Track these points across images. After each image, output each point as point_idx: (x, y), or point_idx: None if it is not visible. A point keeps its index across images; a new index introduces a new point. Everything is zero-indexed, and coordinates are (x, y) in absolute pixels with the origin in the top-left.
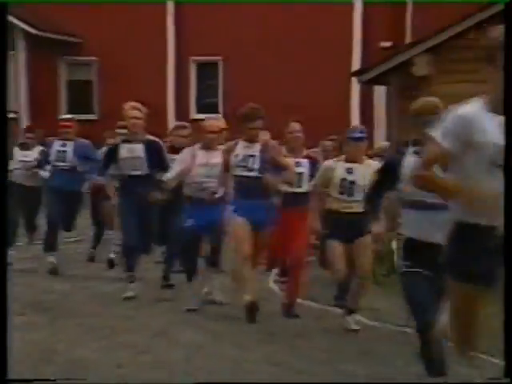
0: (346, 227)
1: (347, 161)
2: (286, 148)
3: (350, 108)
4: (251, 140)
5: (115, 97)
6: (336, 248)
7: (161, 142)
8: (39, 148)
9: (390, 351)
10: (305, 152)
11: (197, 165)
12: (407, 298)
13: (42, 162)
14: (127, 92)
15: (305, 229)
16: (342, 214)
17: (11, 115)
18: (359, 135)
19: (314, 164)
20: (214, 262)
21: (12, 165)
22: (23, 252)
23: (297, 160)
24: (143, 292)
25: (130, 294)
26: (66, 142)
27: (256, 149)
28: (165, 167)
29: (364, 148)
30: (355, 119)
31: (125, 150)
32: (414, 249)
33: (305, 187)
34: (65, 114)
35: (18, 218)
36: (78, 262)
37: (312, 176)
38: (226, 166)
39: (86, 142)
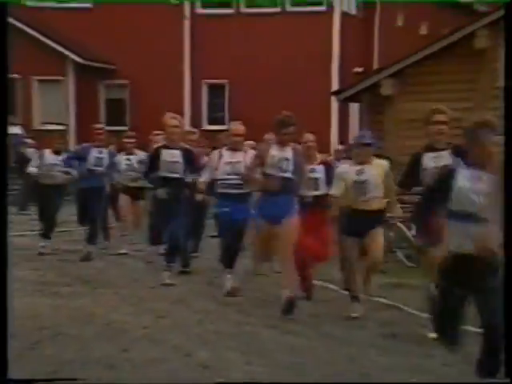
0: (361, 224)
1: (357, 163)
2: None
3: (330, 121)
4: (283, 144)
5: (143, 112)
6: (348, 241)
7: (194, 151)
8: (65, 154)
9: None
10: (319, 159)
11: (222, 163)
12: (436, 315)
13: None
14: (152, 108)
15: (324, 228)
16: (357, 212)
17: (62, 127)
18: (368, 141)
19: (328, 169)
20: (230, 259)
21: (40, 167)
22: (67, 236)
23: (312, 167)
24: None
25: (167, 281)
26: (102, 149)
27: (289, 152)
28: (198, 172)
29: (372, 151)
30: (334, 131)
31: (165, 155)
32: (454, 264)
33: (322, 190)
34: (103, 125)
35: (53, 212)
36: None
37: (328, 180)
38: (256, 164)
39: (113, 150)
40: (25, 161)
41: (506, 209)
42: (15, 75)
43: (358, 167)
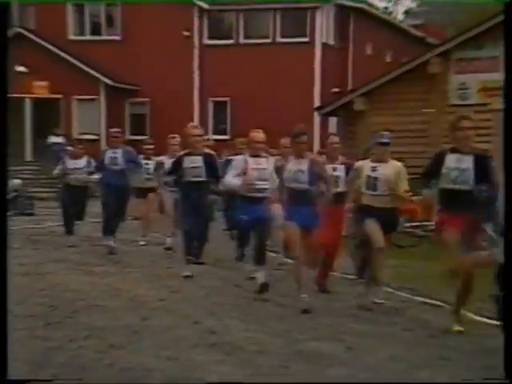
0: (371, 216)
1: (373, 161)
2: (326, 156)
3: (313, 132)
4: (300, 155)
5: (160, 124)
6: (372, 223)
7: (215, 155)
8: (86, 158)
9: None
10: (341, 159)
11: (250, 169)
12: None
13: (96, 168)
14: (168, 121)
15: (342, 222)
16: (370, 208)
17: (95, 137)
18: (386, 140)
19: (348, 169)
20: (259, 256)
21: (64, 170)
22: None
23: (333, 166)
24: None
25: (187, 273)
26: (116, 150)
27: (304, 164)
28: (218, 175)
29: (389, 151)
30: (316, 139)
31: (188, 161)
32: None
33: (341, 188)
34: (129, 136)
35: (72, 209)
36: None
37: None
38: (281, 179)
39: (131, 149)
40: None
41: (506, 208)
42: (59, 95)
43: (373, 164)
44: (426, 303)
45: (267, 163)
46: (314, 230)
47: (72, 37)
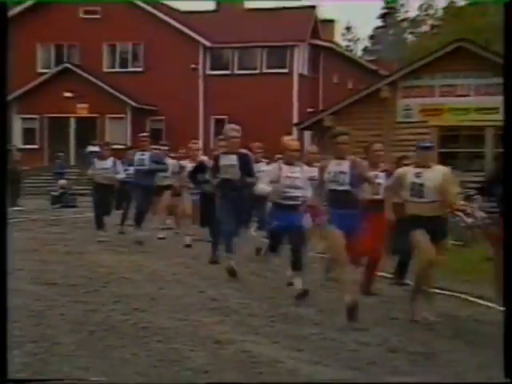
0: (418, 225)
1: (417, 167)
2: (369, 163)
3: None
4: (341, 157)
5: (173, 136)
6: (420, 235)
7: (250, 155)
8: (111, 159)
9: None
10: (382, 166)
11: (283, 176)
12: None
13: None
14: (179, 134)
15: (383, 227)
16: (417, 218)
17: (122, 146)
18: (428, 145)
19: (389, 176)
20: (295, 263)
21: (93, 171)
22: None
23: (375, 173)
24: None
25: (232, 265)
26: (144, 152)
27: (346, 166)
28: (252, 173)
29: (431, 156)
30: None
31: (224, 160)
32: None
33: (383, 195)
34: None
35: (100, 205)
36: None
37: None
38: (322, 182)
39: (157, 151)
40: None
41: (506, 208)
42: (96, 114)
43: (417, 170)
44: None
45: (301, 172)
46: (355, 233)
47: (106, 69)
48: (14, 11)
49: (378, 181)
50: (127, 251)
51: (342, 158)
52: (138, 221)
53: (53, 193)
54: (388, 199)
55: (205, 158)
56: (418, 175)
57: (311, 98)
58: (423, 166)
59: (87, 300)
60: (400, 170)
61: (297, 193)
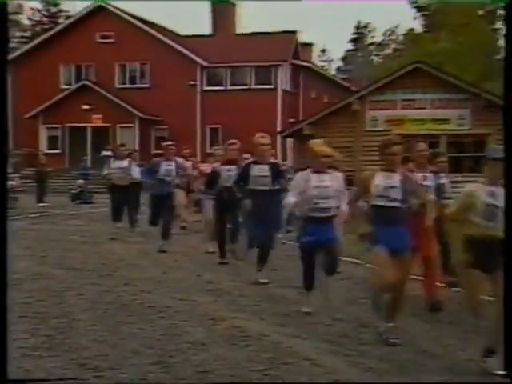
0: (488, 254)
1: (489, 184)
2: (414, 164)
3: (276, 149)
4: (391, 169)
5: (178, 142)
6: (473, 276)
7: (280, 164)
8: (128, 159)
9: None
10: (430, 167)
11: (311, 187)
12: None
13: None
14: (180, 141)
15: (431, 232)
16: (484, 240)
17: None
18: (498, 155)
19: (437, 177)
20: (330, 271)
21: (109, 170)
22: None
23: (424, 174)
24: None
25: (264, 280)
26: (170, 162)
27: (396, 179)
28: (284, 184)
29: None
30: (279, 155)
31: (255, 170)
32: None
33: (430, 197)
34: (154, 151)
35: (118, 206)
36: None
37: (436, 188)
38: (360, 194)
39: (181, 160)
40: None
41: (506, 208)
42: (109, 124)
43: (490, 188)
44: None
45: (331, 179)
46: (407, 253)
47: (117, 85)
48: (40, 38)
49: (426, 183)
50: (135, 241)
51: (393, 171)
52: (166, 236)
53: (72, 191)
54: (452, 222)
55: (216, 165)
56: (492, 194)
57: (292, 110)
58: (496, 183)
59: (101, 282)
60: (469, 187)
61: (328, 203)
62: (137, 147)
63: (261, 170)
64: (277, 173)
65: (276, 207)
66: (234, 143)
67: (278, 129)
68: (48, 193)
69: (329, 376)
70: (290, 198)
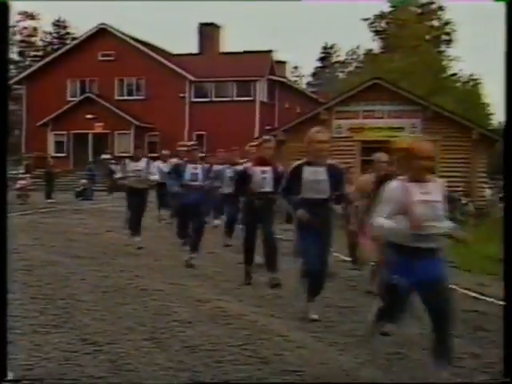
0: None
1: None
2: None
3: None
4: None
5: (166, 148)
6: None
7: (339, 165)
8: (145, 159)
9: None
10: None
11: (416, 202)
12: None
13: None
14: (170, 146)
15: None
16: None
17: (129, 154)
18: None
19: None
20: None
21: (123, 173)
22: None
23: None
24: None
25: (315, 316)
26: (196, 165)
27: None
28: (345, 191)
29: None
30: None
31: (309, 173)
32: None
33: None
34: (148, 154)
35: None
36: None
37: None
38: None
39: (207, 165)
40: (112, 172)
41: (506, 208)
42: (108, 131)
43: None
44: None
45: (437, 189)
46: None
47: (117, 97)
48: (50, 57)
49: None
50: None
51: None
52: (196, 247)
53: (76, 189)
54: None
55: (248, 165)
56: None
57: (269, 119)
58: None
59: (101, 269)
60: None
61: (437, 226)
62: (131, 150)
63: (316, 174)
64: (336, 177)
65: (331, 221)
66: (268, 140)
67: (256, 135)
68: (55, 191)
69: (299, 350)
70: (384, 221)
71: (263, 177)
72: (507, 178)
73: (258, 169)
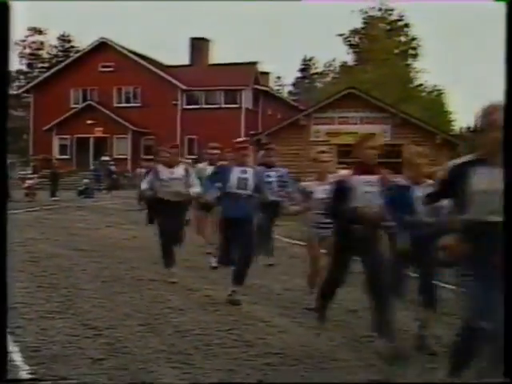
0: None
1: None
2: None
3: None
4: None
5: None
6: None
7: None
8: (182, 166)
9: None
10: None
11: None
12: None
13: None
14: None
15: None
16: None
17: (126, 157)
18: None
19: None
20: None
21: (153, 184)
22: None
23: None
24: None
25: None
26: (246, 168)
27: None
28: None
29: None
30: None
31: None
32: None
33: None
34: (143, 156)
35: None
36: None
37: None
38: None
39: (260, 167)
40: (111, 173)
41: (506, 209)
42: (107, 135)
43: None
44: None
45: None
46: None
47: (115, 104)
48: (55, 69)
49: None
50: (127, 228)
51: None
52: (240, 280)
53: (79, 188)
54: None
55: (346, 174)
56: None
57: (253, 124)
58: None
59: (100, 260)
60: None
61: None
62: (129, 153)
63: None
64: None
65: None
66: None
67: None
68: (59, 189)
69: (280, 334)
70: None
71: (365, 191)
72: (507, 179)
73: (361, 179)
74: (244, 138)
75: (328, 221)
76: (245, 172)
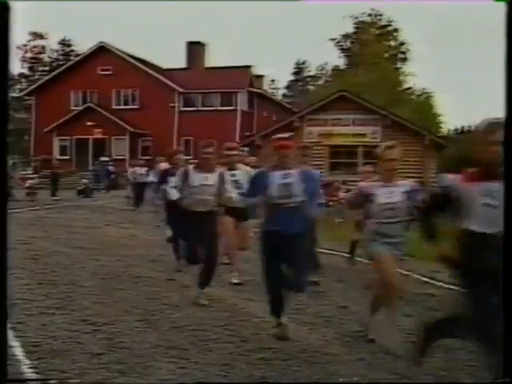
0: None
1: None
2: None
3: None
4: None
5: (157, 151)
6: None
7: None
8: (218, 171)
9: None
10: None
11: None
12: None
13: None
14: (160, 150)
15: None
16: None
17: (125, 157)
18: None
19: None
20: None
21: (181, 190)
22: None
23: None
24: None
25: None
26: (289, 171)
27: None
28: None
29: None
30: None
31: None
32: None
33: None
34: (141, 156)
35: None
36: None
37: None
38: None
39: (310, 169)
40: (110, 173)
41: (506, 209)
42: (106, 136)
43: None
44: None
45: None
46: None
47: (114, 106)
48: (56, 72)
49: None
50: (126, 227)
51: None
52: (279, 313)
53: (78, 187)
54: None
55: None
56: None
57: (248, 126)
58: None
59: (99, 258)
60: None
61: None
62: (127, 154)
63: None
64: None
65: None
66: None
67: (237, 140)
68: (59, 189)
69: (274, 330)
70: None
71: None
72: (507, 179)
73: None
74: (285, 135)
75: (398, 232)
76: (288, 176)
